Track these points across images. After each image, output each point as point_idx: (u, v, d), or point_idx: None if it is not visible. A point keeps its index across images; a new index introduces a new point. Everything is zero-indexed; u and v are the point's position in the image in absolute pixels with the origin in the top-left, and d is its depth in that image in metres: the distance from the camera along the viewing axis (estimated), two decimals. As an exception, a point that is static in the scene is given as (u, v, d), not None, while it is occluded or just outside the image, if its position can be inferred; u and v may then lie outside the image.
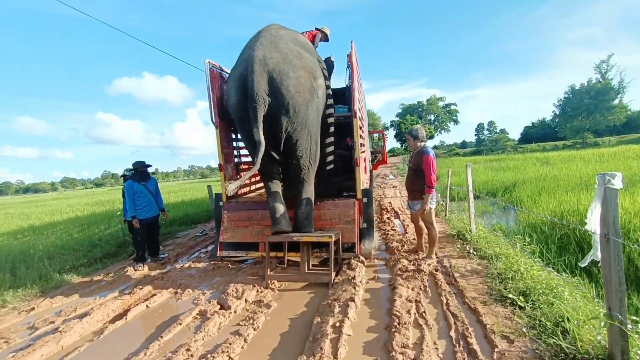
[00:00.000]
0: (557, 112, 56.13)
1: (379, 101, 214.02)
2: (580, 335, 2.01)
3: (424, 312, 2.72)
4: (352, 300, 2.94)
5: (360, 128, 5.64)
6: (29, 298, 3.97)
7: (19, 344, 2.79)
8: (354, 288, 3.22)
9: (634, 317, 1.78)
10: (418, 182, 3.84)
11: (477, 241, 4.40)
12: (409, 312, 2.72)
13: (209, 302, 3.30)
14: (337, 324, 2.56)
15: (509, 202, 9.41)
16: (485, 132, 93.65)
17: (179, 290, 3.73)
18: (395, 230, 5.68)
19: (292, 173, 4.13)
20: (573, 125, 50.94)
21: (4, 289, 4.16)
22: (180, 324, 2.86)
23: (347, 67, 4.52)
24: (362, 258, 4.13)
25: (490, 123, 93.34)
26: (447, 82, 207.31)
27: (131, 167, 5.07)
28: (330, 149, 4.90)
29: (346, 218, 4.42)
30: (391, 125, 64.41)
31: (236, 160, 5.47)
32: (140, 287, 3.83)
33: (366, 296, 3.18)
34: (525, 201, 8.40)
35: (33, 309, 3.57)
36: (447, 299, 2.91)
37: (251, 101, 3.43)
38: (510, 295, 2.82)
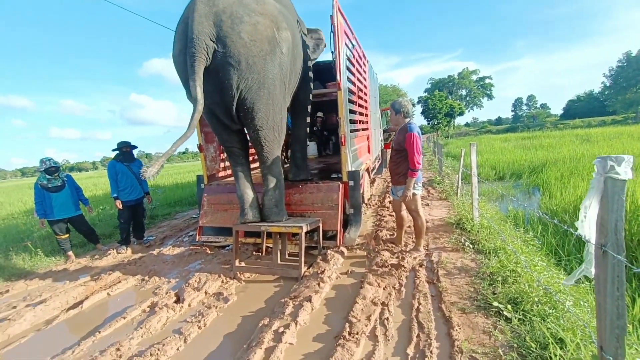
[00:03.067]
0: (608, 84, 50.55)
1: (408, 76, 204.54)
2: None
3: (387, 319, 2.32)
4: (309, 300, 2.60)
5: (354, 103, 5.09)
6: (13, 279, 4.01)
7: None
8: (319, 285, 2.87)
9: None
10: (402, 165, 3.31)
11: (477, 232, 3.85)
12: (369, 318, 2.33)
13: (167, 293, 3.10)
14: (281, 329, 2.24)
15: (534, 185, 8.51)
16: (524, 107, 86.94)
17: (146, 278, 3.57)
18: (392, 216, 5.18)
19: (256, 152, 3.57)
20: (625, 97, 45.71)
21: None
22: (124, 318, 2.67)
23: (331, 31, 3.91)
24: (342, 248, 3.74)
25: (530, 97, 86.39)
26: (484, 53, 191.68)
27: (116, 147, 4.92)
28: (304, 129, 4.44)
29: (329, 203, 4.00)
30: (418, 102, 61.25)
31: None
32: (110, 272, 3.72)
33: (331, 294, 2.82)
34: (553, 184, 7.50)
35: (7, 291, 3.56)
36: (420, 304, 2.48)
37: (189, 46, 2.77)
38: (496, 303, 2.33)
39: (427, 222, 4.13)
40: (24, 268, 4.31)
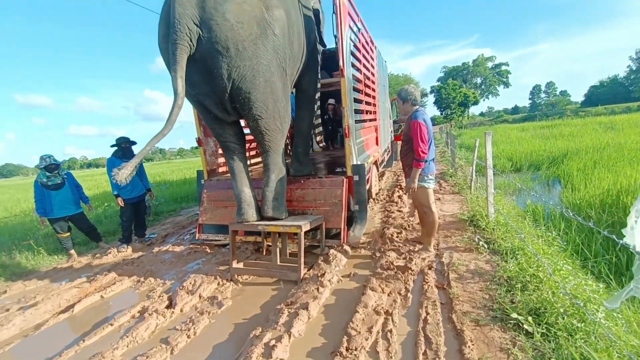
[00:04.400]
0: (634, 67, 47.93)
1: (420, 66, 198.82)
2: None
3: (391, 330, 2.09)
4: (306, 307, 2.38)
5: (360, 91, 4.79)
6: (13, 278, 3.97)
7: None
8: (318, 290, 2.65)
9: None
10: (409, 156, 3.04)
11: (493, 230, 3.55)
12: (370, 330, 2.11)
13: (159, 297, 2.95)
14: (273, 342, 2.03)
15: (554, 177, 8.03)
16: (542, 95, 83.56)
17: (141, 279, 3.44)
18: (401, 212, 4.91)
19: (256, 140, 3.30)
20: (653, 82, 43.24)
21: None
22: (112, 325, 2.53)
23: (333, 12, 3.61)
24: (346, 247, 3.51)
25: (549, 84, 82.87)
26: (500, 39, 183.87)
27: (114, 143, 4.79)
28: (308, 121, 4.18)
29: (332, 199, 3.76)
30: (431, 92, 59.67)
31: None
32: (106, 273, 3.61)
33: (330, 301, 2.60)
34: (575, 175, 7.03)
35: (5, 291, 3.50)
36: (428, 313, 2.23)
37: (171, 32, 2.52)
38: (515, 314, 2.06)
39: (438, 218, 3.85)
40: (26, 267, 4.28)
